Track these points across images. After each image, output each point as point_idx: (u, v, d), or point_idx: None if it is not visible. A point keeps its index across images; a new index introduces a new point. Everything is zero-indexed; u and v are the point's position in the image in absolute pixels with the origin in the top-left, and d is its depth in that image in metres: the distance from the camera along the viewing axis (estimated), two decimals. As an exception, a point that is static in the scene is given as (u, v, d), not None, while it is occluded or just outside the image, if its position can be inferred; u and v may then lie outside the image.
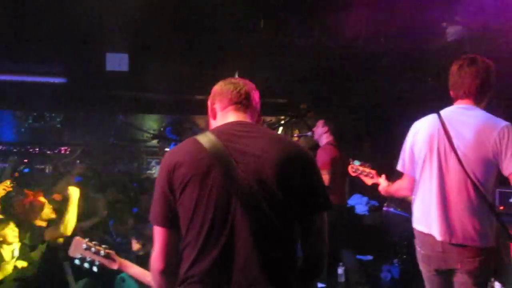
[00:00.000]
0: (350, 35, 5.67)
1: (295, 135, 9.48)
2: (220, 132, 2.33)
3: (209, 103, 2.55)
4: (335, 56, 6.25)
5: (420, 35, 5.35)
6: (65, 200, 5.90)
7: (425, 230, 3.28)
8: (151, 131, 13.89)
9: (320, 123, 6.07)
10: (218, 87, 2.51)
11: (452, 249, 3.14)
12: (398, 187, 3.68)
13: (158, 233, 2.27)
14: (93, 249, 2.50)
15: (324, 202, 2.32)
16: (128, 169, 21.04)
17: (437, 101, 3.50)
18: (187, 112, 10.70)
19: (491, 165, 3.09)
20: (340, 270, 5.59)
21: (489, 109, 3.26)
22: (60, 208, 6.02)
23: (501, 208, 4.40)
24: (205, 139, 2.26)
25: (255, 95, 2.50)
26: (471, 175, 3.09)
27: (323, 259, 2.32)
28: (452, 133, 3.18)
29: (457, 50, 5.02)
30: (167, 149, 17.86)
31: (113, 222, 6.90)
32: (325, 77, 7.14)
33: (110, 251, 2.42)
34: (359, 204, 7.69)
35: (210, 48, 5.94)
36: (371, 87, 7.06)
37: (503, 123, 3.12)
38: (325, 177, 5.44)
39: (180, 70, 7.01)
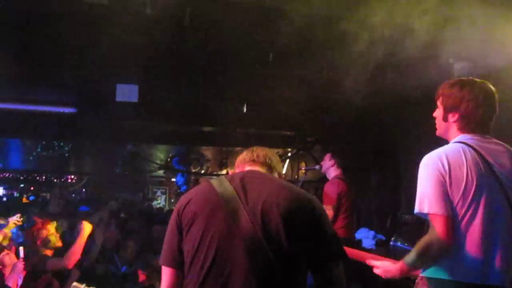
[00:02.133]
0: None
1: (303, 168, 9.49)
2: (233, 177, 2.41)
3: (230, 172, 2.68)
4: (343, 89, 6.29)
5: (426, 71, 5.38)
6: (76, 232, 5.93)
7: (476, 281, 2.78)
8: (158, 162, 13.94)
9: (327, 156, 6.08)
10: (239, 156, 2.67)
11: None
12: (427, 242, 2.83)
13: (165, 273, 2.34)
14: (86, 293, 2.53)
15: (337, 252, 2.33)
16: (133, 199, 21.07)
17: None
18: (194, 143, 10.75)
19: None
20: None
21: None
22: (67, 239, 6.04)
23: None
24: (217, 182, 2.36)
25: (272, 156, 2.62)
26: None
27: None
28: (492, 163, 2.84)
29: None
30: (173, 179, 17.91)
31: (120, 252, 6.88)
32: (331, 110, 7.18)
33: None
34: (366, 238, 7.63)
35: (218, 81, 6.00)
36: (377, 121, 7.10)
37: None
38: (329, 213, 5.40)
39: (189, 102, 7.07)
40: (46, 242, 6.00)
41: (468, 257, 2.79)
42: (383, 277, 3.06)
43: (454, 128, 3.03)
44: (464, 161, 2.83)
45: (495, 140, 2.96)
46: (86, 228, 5.75)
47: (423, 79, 5.21)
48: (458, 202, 2.79)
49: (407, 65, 5.30)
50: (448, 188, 2.80)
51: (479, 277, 2.78)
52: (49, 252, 5.95)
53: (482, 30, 4.39)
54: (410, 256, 2.93)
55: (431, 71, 5.24)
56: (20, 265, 5.34)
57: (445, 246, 2.79)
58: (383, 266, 3.08)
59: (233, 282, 2.16)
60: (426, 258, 2.91)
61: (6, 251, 5.59)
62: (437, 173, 2.82)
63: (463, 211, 2.79)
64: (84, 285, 2.66)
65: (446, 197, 2.80)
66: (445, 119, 3.06)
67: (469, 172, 2.81)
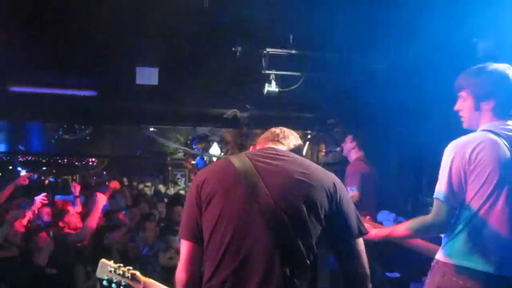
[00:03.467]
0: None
1: (323, 150, 9.44)
2: (252, 153, 2.43)
3: (251, 148, 2.72)
4: (362, 71, 6.23)
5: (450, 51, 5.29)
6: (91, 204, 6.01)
7: (509, 274, 2.77)
8: (178, 145, 13.99)
9: (348, 138, 6.04)
10: (261, 135, 2.67)
11: None
12: (429, 224, 2.98)
13: (184, 247, 2.34)
14: (118, 271, 2.54)
15: (359, 228, 2.34)
16: (154, 181, 21.25)
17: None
18: (214, 125, 10.76)
19: None
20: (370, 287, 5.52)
21: None
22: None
23: None
24: (236, 158, 2.36)
25: (292, 135, 2.62)
26: None
27: (366, 281, 2.33)
28: None
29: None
30: (193, 162, 18.00)
31: (140, 233, 6.94)
32: (352, 92, 7.11)
33: (135, 272, 2.47)
34: (387, 220, 7.58)
35: (238, 63, 5.97)
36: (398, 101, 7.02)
37: None
38: (354, 194, 5.39)
39: (208, 84, 7.06)
40: (67, 223, 6.11)
41: (487, 246, 2.80)
42: None
43: (487, 116, 2.99)
44: (489, 151, 2.82)
45: None
46: (100, 200, 5.81)
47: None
48: (478, 191, 2.81)
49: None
50: (468, 177, 2.83)
51: (498, 268, 2.77)
52: (71, 231, 6.06)
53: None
54: (403, 229, 3.10)
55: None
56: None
57: (443, 232, 2.94)
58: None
59: (253, 256, 2.16)
60: (420, 236, 3.16)
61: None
62: (457, 162, 2.86)
63: (482, 200, 2.81)
64: (112, 261, 2.68)
65: (459, 188, 2.84)
66: (477, 108, 3.02)
67: (494, 162, 2.80)
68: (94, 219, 5.81)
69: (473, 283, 2.77)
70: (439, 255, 2.98)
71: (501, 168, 2.80)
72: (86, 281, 5.76)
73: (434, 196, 2.94)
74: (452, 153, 2.90)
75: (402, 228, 3.12)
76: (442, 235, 3.04)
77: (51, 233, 6.01)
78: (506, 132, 2.90)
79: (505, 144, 2.85)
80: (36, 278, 5.32)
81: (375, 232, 3.24)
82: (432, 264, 3.05)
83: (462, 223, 2.87)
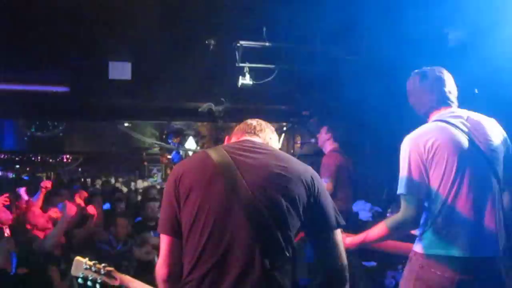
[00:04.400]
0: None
1: (298, 142, 9.47)
2: (230, 146, 2.42)
3: (226, 138, 2.69)
4: (336, 63, 6.26)
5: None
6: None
7: (472, 254, 2.85)
8: (153, 139, 13.92)
9: (323, 129, 6.06)
10: (236, 127, 2.64)
11: None
12: (400, 220, 2.98)
13: (164, 241, 2.32)
14: (93, 268, 2.53)
15: (337, 220, 2.36)
16: (129, 177, 21.09)
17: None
18: (189, 119, 10.72)
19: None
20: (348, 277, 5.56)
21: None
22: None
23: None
24: (214, 151, 2.34)
25: (268, 128, 2.61)
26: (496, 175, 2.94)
27: (345, 271, 2.35)
28: (472, 135, 2.95)
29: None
30: (168, 156, 17.92)
31: (112, 230, 6.86)
32: (326, 84, 7.15)
33: (110, 269, 2.45)
34: (363, 210, 7.65)
35: (212, 55, 5.95)
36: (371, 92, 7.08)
37: None
38: (329, 185, 5.43)
39: (182, 78, 7.03)
40: (34, 224, 5.97)
41: (459, 232, 2.87)
42: None
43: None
44: (443, 139, 2.92)
45: (469, 112, 3.07)
46: (70, 210, 5.68)
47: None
48: (442, 180, 2.88)
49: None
50: (429, 168, 2.91)
51: (473, 250, 2.84)
52: (40, 234, 5.92)
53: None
54: (377, 231, 3.10)
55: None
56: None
57: (416, 226, 2.96)
58: None
59: (233, 250, 2.15)
60: (394, 235, 3.11)
61: None
62: (414, 155, 2.94)
63: (447, 188, 2.88)
64: (87, 259, 2.66)
65: (421, 179, 2.91)
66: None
67: (449, 149, 2.89)
68: (61, 231, 5.68)
69: (451, 271, 2.82)
70: (417, 247, 3.02)
71: (458, 152, 2.89)
72: (62, 281, 5.67)
73: (398, 193, 2.98)
74: (408, 148, 2.99)
75: (376, 231, 3.12)
76: (415, 231, 3.08)
77: (7, 232, 5.86)
78: (454, 118, 3.01)
79: (456, 128, 2.95)
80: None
81: (349, 240, 3.22)
82: (409, 255, 3.09)
83: (434, 213, 2.91)
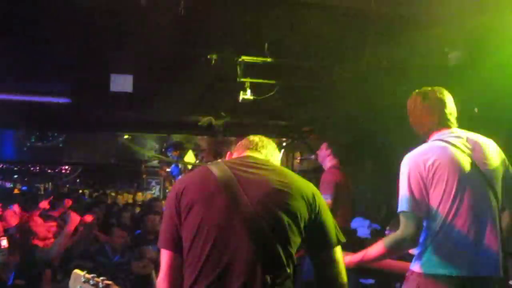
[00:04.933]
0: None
1: (298, 158, 9.47)
2: (231, 162, 2.44)
3: (228, 153, 2.71)
4: (336, 78, 6.28)
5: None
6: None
7: (470, 274, 2.84)
8: (153, 152, 13.92)
9: (323, 145, 6.07)
10: (238, 143, 2.67)
11: None
12: (400, 238, 2.97)
13: (164, 257, 2.31)
14: (91, 281, 2.51)
15: (337, 237, 2.36)
16: (128, 189, 21.02)
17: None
18: (189, 133, 10.73)
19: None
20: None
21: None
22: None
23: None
24: (216, 166, 2.35)
25: (269, 145, 2.63)
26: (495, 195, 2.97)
27: None
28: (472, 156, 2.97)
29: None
30: (167, 170, 17.90)
31: (109, 239, 6.84)
32: (326, 100, 7.17)
33: (109, 282, 2.44)
34: (361, 227, 7.64)
35: (213, 70, 5.98)
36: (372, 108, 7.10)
37: None
38: (328, 202, 5.41)
39: (183, 92, 7.05)
40: (34, 234, 5.98)
41: (459, 251, 2.86)
42: None
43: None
44: (443, 158, 2.94)
45: (468, 133, 3.09)
46: (74, 220, 5.70)
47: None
48: (442, 199, 2.89)
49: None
50: (429, 187, 2.91)
51: (472, 270, 2.84)
52: (40, 243, 5.92)
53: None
54: (377, 250, 3.08)
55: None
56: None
57: (415, 244, 2.94)
58: None
59: (234, 265, 2.15)
60: (394, 253, 3.14)
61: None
62: (414, 173, 2.95)
63: (447, 207, 2.88)
64: (85, 272, 2.65)
65: (421, 197, 2.91)
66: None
67: (450, 168, 2.91)
68: (65, 240, 5.69)
69: None
70: (414, 266, 3.00)
71: (458, 172, 2.90)
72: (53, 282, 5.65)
73: (398, 211, 2.97)
74: (408, 166, 3.01)
75: (375, 250, 3.10)
76: (412, 251, 3.07)
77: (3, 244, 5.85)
78: (454, 138, 3.03)
79: (457, 148, 2.97)
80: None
81: (348, 259, 3.17)
82: (407, 275, 3.08)
83: (433, 232, 2.91)
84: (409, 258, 3.18)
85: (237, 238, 2.17)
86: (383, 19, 4.71)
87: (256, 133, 2.69)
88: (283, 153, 10.53)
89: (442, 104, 3.14)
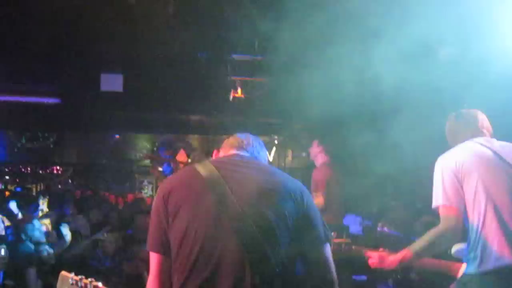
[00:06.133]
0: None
1: (290, 155, 9.47)
2: (218, 161, 2.43)
3: (215, 152, 2.68)
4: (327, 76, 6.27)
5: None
6: None
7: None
8: (144, 151, 13.88)
9: (315, 143, 6.08)
10: (225, 141, 2.63)
11: None
12: (441, 232, 3.08)
13: (153, 259, 2.30)
14: (79, 283, 2.49)
15: (325, 234, 2.35)
16: (119, 189, 20.93)
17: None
18: (180, 132, 10.70)
19: None
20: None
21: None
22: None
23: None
24: (202, 166, 2.33)
25: (256, 142, 2.61)
26: None
27: (334, 285, 2.33)
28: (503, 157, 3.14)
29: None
30: (160, 169, 17.84)
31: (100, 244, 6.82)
32: (318, 97, 7.16)
33: (97, 283, 2.42)
34: (353, 224, 7.66)
35: (204, 68, 5.97)
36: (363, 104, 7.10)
37: None
38: (320, 199, 5.42)
39: (174, 91, 7.03)
40: (30, 237, 5.96)
41: (507, 241, 2.94)
42: (374, 266, 3.31)
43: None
44: (474, 157, 3.13)
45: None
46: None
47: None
48: (475, 192, 3.02)
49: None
50: (463, 185, 3.06)
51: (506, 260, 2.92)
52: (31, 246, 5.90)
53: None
54: (419, 245, 3.16)
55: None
56: None
57: (457, 237, 3.08)
58: (378, 256, 3.27)
59: (223, 266, 2.13)
60: (436, 248, 3.20)
61: None
62: (447, 170, 3.12)
63: (483, 200, 3.00)
64: (73, 274, 2.63)
65: (458, 192, 3.05)
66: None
67: (482, 164, 3.09)
68: None
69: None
70: (469, 269, 3.06)
71: (490, 167, 3.08)
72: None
73: (434, 206, 3.11)
74: (441, 165, 3.17)
75: (418, 246, 3.17)
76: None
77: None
78: (484, 141, 3.22)
79: (487, 148, 3.15)
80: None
81: (391, 258, 3.21)
82: (459, 279, 3.23)
83: (477, 229, 3.01)
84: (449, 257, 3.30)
85: (225, 239, 2.15)
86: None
87: (247, 131, 2.67)
88: (274, 151, 10.53)
89: (476, 120, 3.34)
